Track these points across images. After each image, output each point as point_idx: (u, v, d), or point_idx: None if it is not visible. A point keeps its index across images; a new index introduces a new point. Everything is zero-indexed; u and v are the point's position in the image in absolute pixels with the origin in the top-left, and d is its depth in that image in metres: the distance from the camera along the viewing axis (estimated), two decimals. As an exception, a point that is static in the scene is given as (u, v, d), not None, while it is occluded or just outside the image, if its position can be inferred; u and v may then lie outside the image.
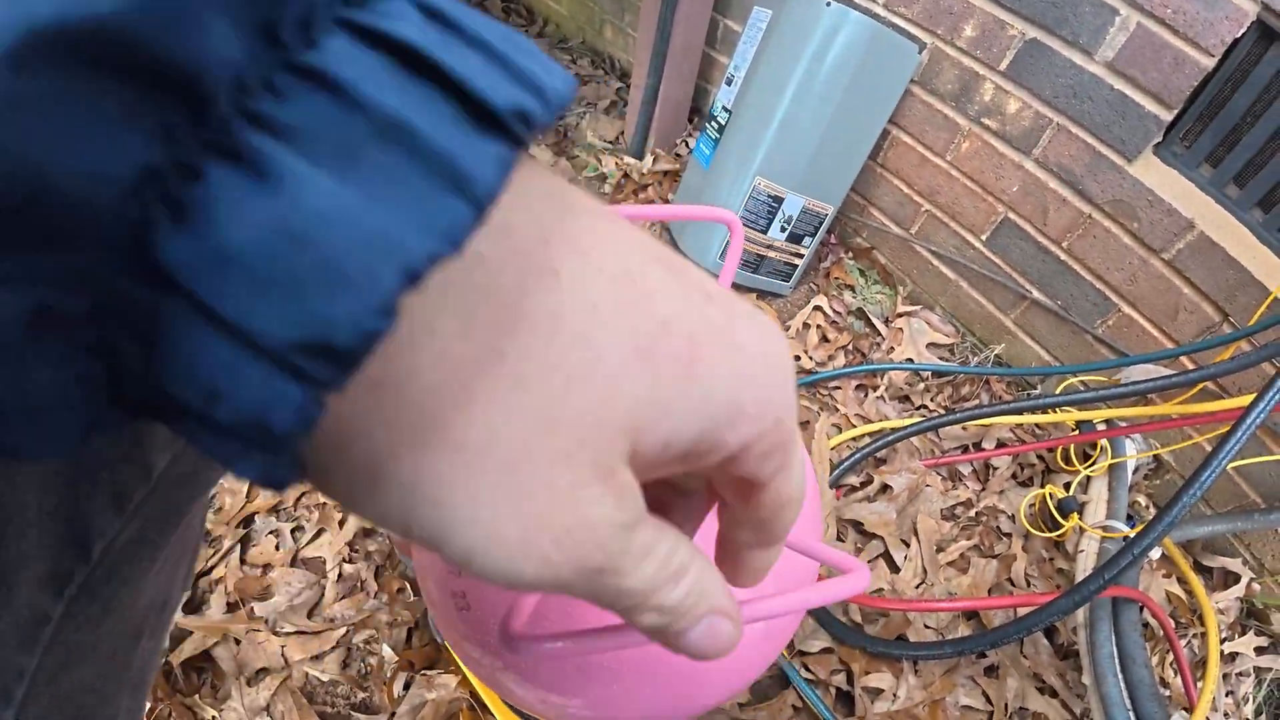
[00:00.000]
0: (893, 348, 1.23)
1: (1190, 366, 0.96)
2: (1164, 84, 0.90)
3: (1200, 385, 0.92)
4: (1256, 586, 1.05)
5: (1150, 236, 0.99)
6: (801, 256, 1.25)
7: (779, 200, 1.18)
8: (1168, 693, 0.93)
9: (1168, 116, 0.92)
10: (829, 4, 1.05)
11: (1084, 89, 0.97)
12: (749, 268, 1.24)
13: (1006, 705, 0.90)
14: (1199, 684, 0.85)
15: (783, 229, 1.21)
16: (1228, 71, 0.88)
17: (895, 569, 1.00)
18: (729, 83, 1.24)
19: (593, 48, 1.71)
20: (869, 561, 1.01)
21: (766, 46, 1.15)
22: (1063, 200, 1.06)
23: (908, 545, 1.02)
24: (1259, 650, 1.01)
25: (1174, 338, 1.02)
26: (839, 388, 1.18)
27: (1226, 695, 0.99)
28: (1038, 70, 1.01)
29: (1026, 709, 0.91)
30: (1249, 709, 0.98)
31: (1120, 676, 0.83)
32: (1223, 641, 1.01)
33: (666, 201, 1.38)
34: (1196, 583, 0.95)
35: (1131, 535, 0.89)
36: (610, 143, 1.46)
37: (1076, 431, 1.07)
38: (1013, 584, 1.02)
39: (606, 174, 1.39)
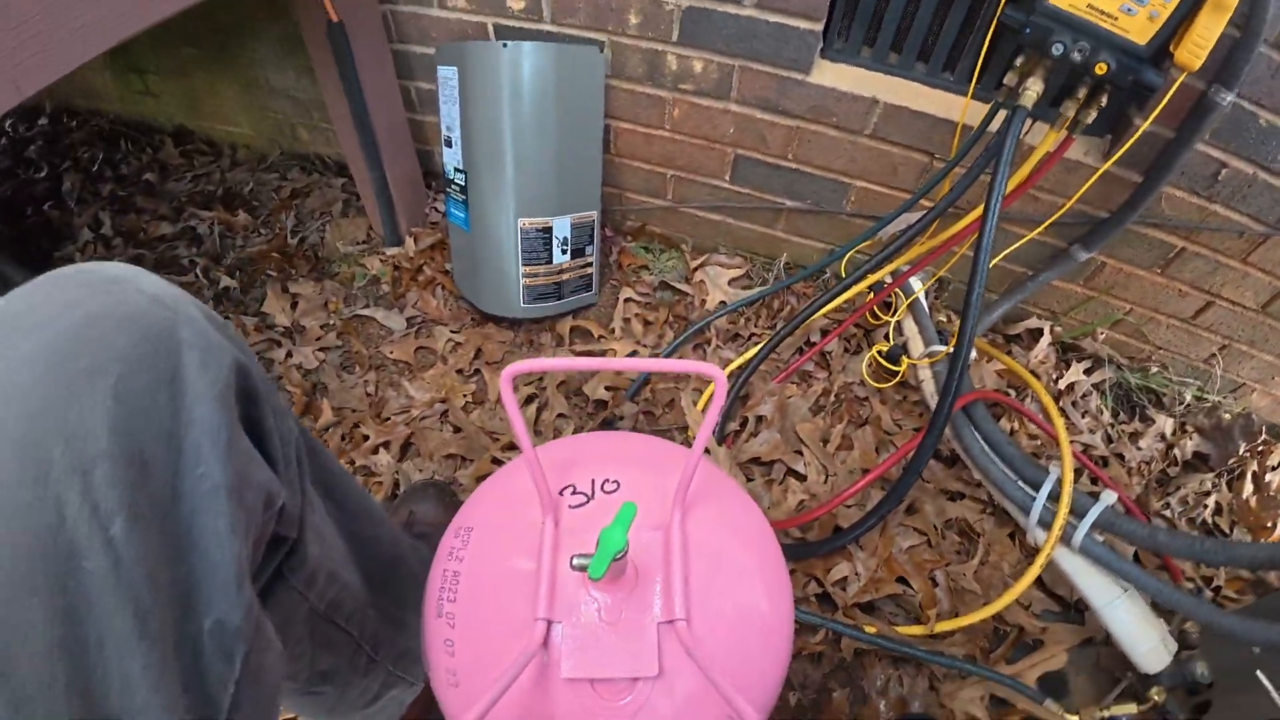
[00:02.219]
0: (703, 299, 1.35)
1: (929, 205, 1.16)
2: (804, 4, 1.06)
3: (937, 217, 1.12)
4: (1058, 329, 1.31)
5: (849, 123, 1.17)
6: (590, 264, 1.32)
7: (548, 229, 1.24)
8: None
9: (820, 26, 1.08)
10: (504, 45, 1.11)
11: (747, 31, 1.11)
12: (553, 298, 1.30)
13: (936, 527, 1.07)
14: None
15: (564, 251, 1.27)
16: None
17: (802, 478, 1.13)
18: (449, 144, 1.26)
19: (295, 155, 1.64)
20: (780, 483, 1.14)
21: (467, 101, 1.18)
22: (771, 124, 1.21)
23: (801, 454, 1.15)
24: (1087, 371, 1.27)
25: (905, 189, 1.22)
26: (681, 358, 1.28)
27: (1084, 417, 1.24)
28: (705, 31, 1.14)
29: (951, 520, 1.09)
30: (1106, 416, 1.24)
31: (996, 460, 1.03)
32: (1056, 381, 1.26)
33: (447, 273, 1.38)
34: (1005, 357, 1.18)
35: (949, 349, 1.10)
36: (364, 242, 1.43)
37: (872, 294, 1.25)
38: (888, 434, 1.20)
39: (378, 275, 1.36)
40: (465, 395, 1.23)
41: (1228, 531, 1.15)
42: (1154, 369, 1.30)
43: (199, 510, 0.35)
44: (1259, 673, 0.80)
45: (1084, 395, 1.25)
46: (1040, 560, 0.91)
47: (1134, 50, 0.86)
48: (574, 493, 0.60)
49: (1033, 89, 0.91)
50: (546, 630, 0.51)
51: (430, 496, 1.04)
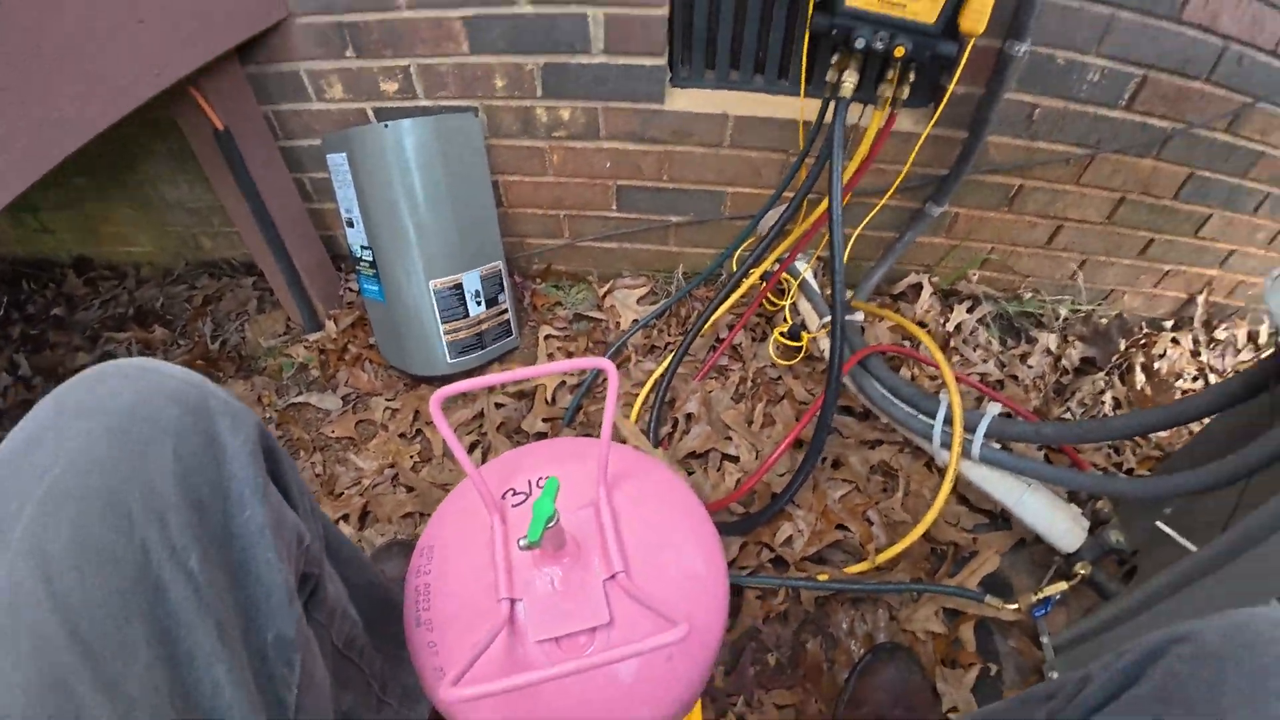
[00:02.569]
0: (617, 322, 1.45)
1: (790, 195, 1.29)
2: (646, 43, 1.19)
3: (804, 202, 1.25)
4: (936, 279, 1.45)
5: (708, 139, 1.30)
6: (505, 310, 1.41)
7: (458, 285, 1.32)
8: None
9: (664, 61, 1.21)
10: (385, 126, 1.21)
11: (601, 77, 1.24)
12: (477, 348, 1.37)
13: (862, 473, 1.17)
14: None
15: (478, 303, 1.35)
16: (677, 10, 1.19)
17: (735, 460, 1.22)
18: (351, 225, 1.34)
19: (201, 263, 1.68)
20: (718, 468, 1.22)
21: (360, 182, 1.26)
22: (642, 153, 1.34)
23: (730, 439, 1.24)
24: (969, 310, 1.41)
25: (771, 187, 1.35)
26: (606, 380, 1.36)
27: (975, 350, 1.37)
28: (564, 82, 1.26)
29: (874, 466, 1.19)
30: (995, 346, 1.37)
31: (897, 401, 1.14)
32: (945, 325, 1.39)
33: (371, 347, 1.44)
34: (890, 313, 1.30)
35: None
36: (285, 334, 1.48)
37: (763, 283, 1.37)
38: (803, 403, 1.30)
39: (304, 362, 1.41)
40: (411, 456, 1.28)
41: None
42: (1028, 295, 1.45)
43: (250, 545, 0.44)
44: (1159, 523, 0.91)
45: (971, 332, 1.38)
46: (949, 475, 1.01)
47: (926, 29, 1.01)
48: (514, 494, 0.68)
49: (849, 80, 1.05)
50: (510, 607, 0.58)
51: (395, 554, 1.08)
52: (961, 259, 1.42)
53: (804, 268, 1.35)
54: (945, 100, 1.15)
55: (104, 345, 1.48)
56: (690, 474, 1.21)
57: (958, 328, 1.38)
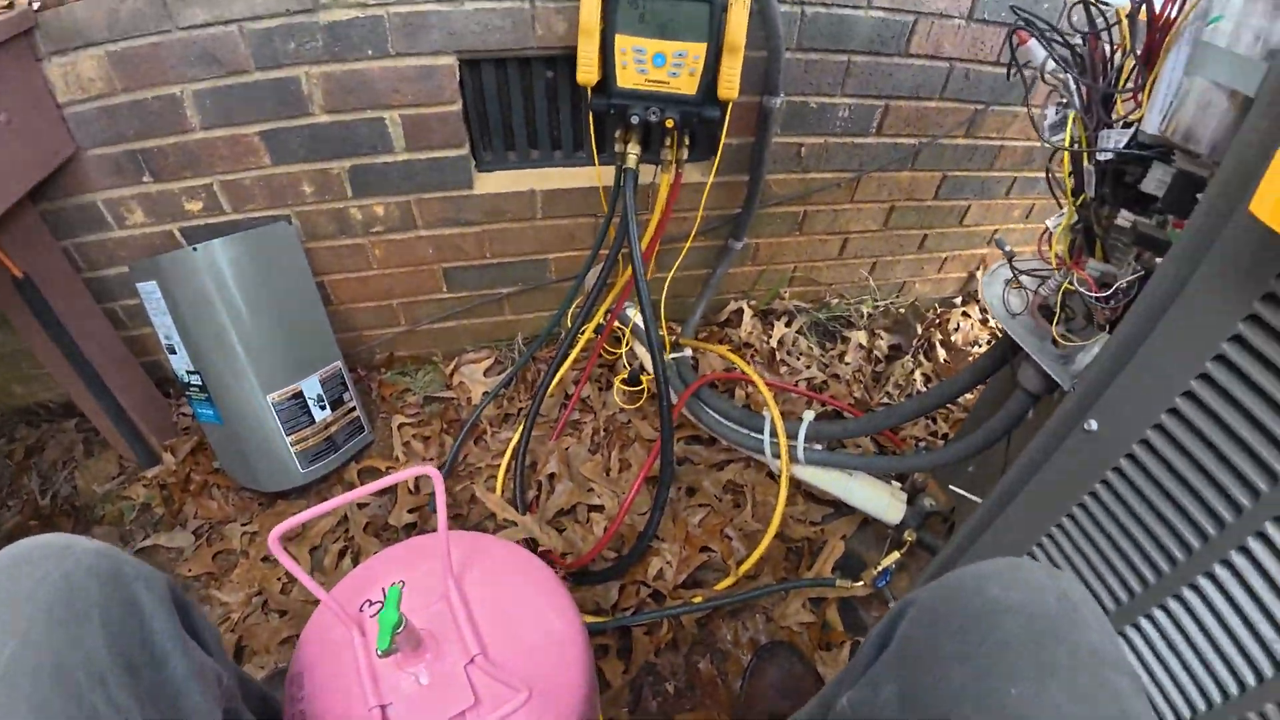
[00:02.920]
0: (468, 398, 1.48)
1: (605, 251, 1.38)
2: (446, 137, 1.26)
3: (619, 257, 1.35)
4: (754, 302, 1.59)
5: (521, 214, 1.39)
6: (354, 408, 1.41)
7: (298, 394, 1.31)
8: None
9: (466, 150, 1.29)
10: (194, 249, 1.20)
11: (408, 172, 1.29)
12: (330, 452, 1.36)
13: (715, 495, 1.26)
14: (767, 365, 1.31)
15: (322, 406, 1.35)
16: (470, 105, 1.27)
17: (601, 508, 1.28)
18: (173, 351, 1.31)
19: (15, 410, 1.54)
20: (585, 521, 1.27)
21: (177, 309, 1.24)
22: (461, 235, 1.40)
23: (593, 489, 1.30)
24: (786, 324, 1.55)
25: (585, 246, 1.46)
26: (467, 454, 1.39)
27: (799, 359, 1.50)
28: (373, 182, 1.30)
29: (725, 485, 1.28)
30: (816, 351, 1.53)
31: (729, 423, 1.24)
32: (769, 342, 1.52)
33: (217, 471, 1.39)
34: (712, 346, 1.42)
35: (671, 357, 1.31)
36: (119, 475, 1.39)
37: (598, 336, 1.45)
38: (652, 441, 1.38)
39: (146, 501, 1.34)
40: (279, 579, 1.24)
41: None
42: (834, 300, 1.62)
43: (182, 693, 0.49)
44: (952, 486, 1.05)
45: (793, 343, 1.54)
46: (783, 482, 1.12)
47: (689, 100, 1.14)
48: (370, 604, 0.71)
49: (632, 152, 1.17)
50: (381, 713, 0.62)
51: (278, 684, 1.05)
52: (771, 281, 1.58)
53: (633, 314, 1.45)
54: (719, 153, 1.30)
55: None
56: (561, 531, 1.26)
57: (780, 342, 1.53)
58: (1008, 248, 0.87)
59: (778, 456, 1.15)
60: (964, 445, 0.94)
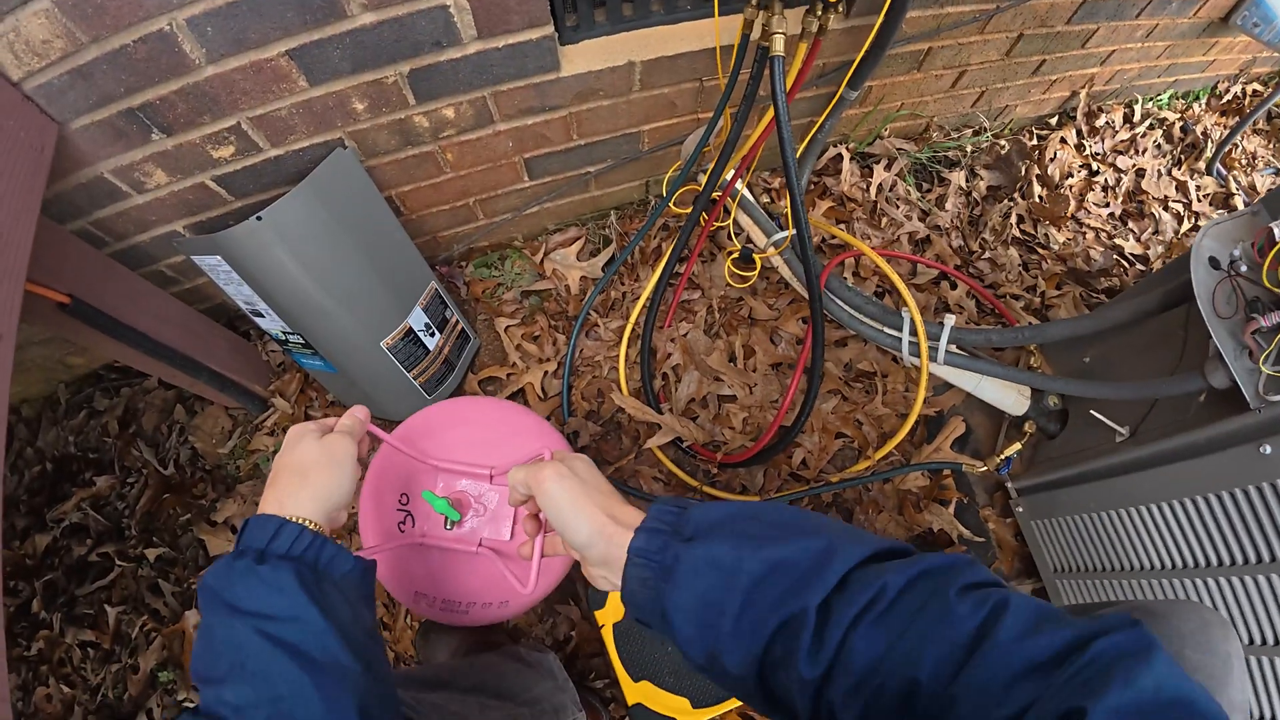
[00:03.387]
0: (567, 285, 1.41)
1: (704, 116, 1.22)
2: (527, 16, 0.98)
3: (728, 122, 1.18)
4: (852, 145, 1.47)
5: (616, 90, 1.16)
6: (458, 321, 1.33)
7: (409, 331, 1.22)
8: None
9: (550, 27, 1.01)
10: (258, 218, 1.00)
11: (481, 65, 1.03)
12: (448, 373, 1.32)
13: (842, 379, 1.34)
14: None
15: (431, 333, 1.27)
16: None
17: (733, 399, 1.35)
18: (260, 315, 1.16)
19: (84, 379, 1.39)
20: (718, 412, 1.35)
21: (254, 280, 1.07)
22: (545, 123, 1.18)
23: (721, 380, 1.35)
24: (886, 168, 1.46)
25: (688, 114, 1.26)
26: (581, 349, 1.38)
27: (898, 206, 1.45)
28: (438, 84, 1.04)
29: (847, 366, 1.36)
30: (914, 195, 1.47)
31: (869, 320, 1.26)
32: (869, 190, 1.45)
33: (335, 404, 1.36)
34: (830, 227, 1.35)
35: (790, 232, 1.26)
36: (234, 429, 1.34)
37: (715, 202, 1.33)
38: (769, 321, 1.39)
39: (277, 448, 1.33)
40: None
41: (1034, 234, 1.46)
42: (934, 134, 1.50)
43: None
44: (1093, 411, 1.15)
45: (891, 188, 1.46)
46: (922, 383, 1.20)
47: None
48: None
49: (779, 31, 0.95)
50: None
51: None
52: (873, 122, 1.42)
53: (741, 185, 1.32)
54: None
55: (55, 518, 1.28)
56: (694, 419, 1.34)
57: (879, 188, 1.44)
58: (1236, 255, 0.84)
59: (916, 355, 1.21)
60: (1117, 389, 1.02)
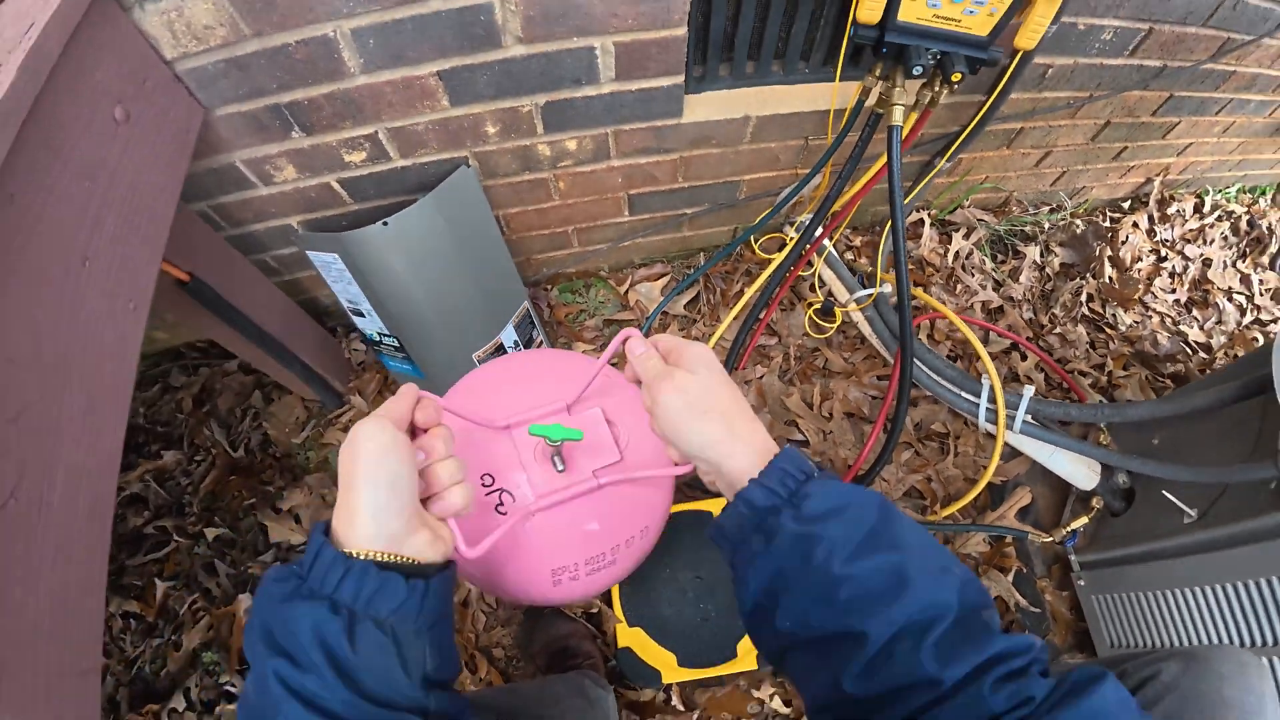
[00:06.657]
0: (644, 314, 1.44)
1: (802, 172, 1.26)
2: (664, 65, 1.03)
3: (826, 179, 1.23)
4: (934, 212, 1.51)
5: (728, 141, 1.20)
6: (541, 342, 1.36)
7: (499, 346, 1.26)
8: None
9: (681, 77, 1.06)
10: (385, 224, 1.03)
11: (612, 106, 1.08)
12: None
13: (917, 437, 1.37)
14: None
15: (517, 348, 1.30)
16: (692, 23, 1.01)
17: (806, 443, 1.37)
18: (360, 314, 1.20)
19: (164, 353, 1.41)
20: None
21: (365, 281, 1.11)
22: (656, 164, 1.22)
23: (795, 424, 1.37)
24: (965, 235, 1.51)
25: (789, 169, 1.30)
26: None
27: (974, 275, 1.49)
28: (569, 118, 1.08)
29: (919, 424, 1.38)
30: (989, 265, 1.51)
31: (948, 384, 1.29)
32: (945, 255, 1.49)
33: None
34: (928, 298, 1.38)
35: (874, 290, 1.30)
36: (309, 420, 1.36)
37: (802, 255, 1.37)
38: (846, 374, 1.42)
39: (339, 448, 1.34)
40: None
41: (1103, 313, 1.49)
42: (1013, 208, 1.55)
43: None
44: (1165, 492, 1.17)
45: (968, 256, 1.50)
46: (996, 450, 1.22)
47: (978, 42, 0.96)
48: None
49: (900, 103, 1.00)
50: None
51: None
52: (958, 191, 1.47)
53: (828, 242, 1.36)
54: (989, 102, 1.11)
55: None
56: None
57: (957, 255, 1.48)
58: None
59: (992, 422, 1.23)
60: (1196, 472, 1.04)
